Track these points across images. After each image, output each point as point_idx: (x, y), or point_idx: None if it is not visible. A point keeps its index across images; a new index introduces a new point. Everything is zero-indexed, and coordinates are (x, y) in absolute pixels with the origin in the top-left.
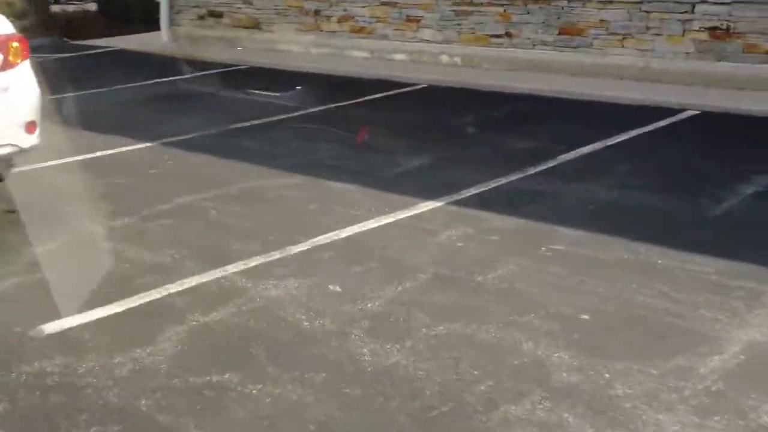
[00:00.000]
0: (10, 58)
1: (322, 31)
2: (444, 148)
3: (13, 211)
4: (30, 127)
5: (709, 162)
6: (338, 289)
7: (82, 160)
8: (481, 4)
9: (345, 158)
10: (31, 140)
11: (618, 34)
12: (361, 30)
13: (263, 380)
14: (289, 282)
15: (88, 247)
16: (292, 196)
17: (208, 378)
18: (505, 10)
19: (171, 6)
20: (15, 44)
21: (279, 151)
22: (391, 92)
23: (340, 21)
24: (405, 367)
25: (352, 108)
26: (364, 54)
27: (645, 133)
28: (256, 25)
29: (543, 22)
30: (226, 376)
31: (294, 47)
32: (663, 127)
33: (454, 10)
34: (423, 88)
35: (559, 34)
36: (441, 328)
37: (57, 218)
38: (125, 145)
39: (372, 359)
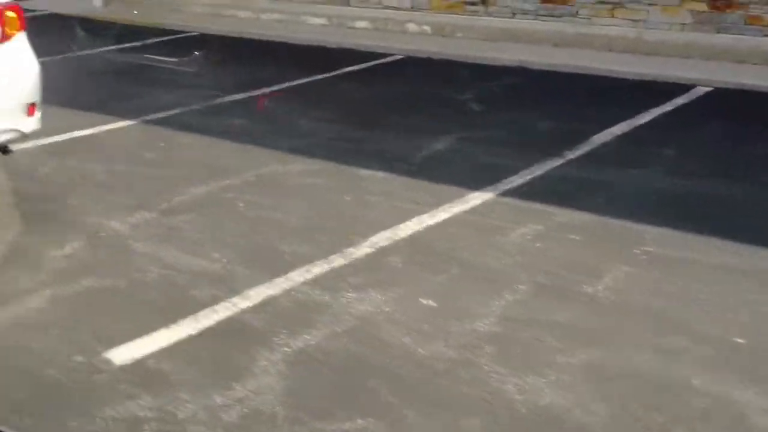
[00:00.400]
0: (7, 29)
1: None
2: (460, 129)
3: (13, 204)
4: (31, 108)
5: (757, 145)
6: (432, 303)
7: (63, 142)
8: None
9: (356, 140)
10: (32, 123)
11: (607, 3)
12: None
13: (409, 429)
14: (372, 295)
15: (118, 249)
16: (319, 185)
17: (340, 425)
18: None
19: None
20: (11, 14)
21: (278, 131)
22: (369, 64)
23: None
24: (568, 410)
25: (334, 82)
26: (321, 21)
27: (669, 111)
28: None
29: None
30: (359, 422)
31: (241, 13)
32: (684, 106)
33: None
34: (400, 59)
35: (542, 2)
36: (581, 355)
37: (65, 213)
38: (104, 124)
39: (522, 398)
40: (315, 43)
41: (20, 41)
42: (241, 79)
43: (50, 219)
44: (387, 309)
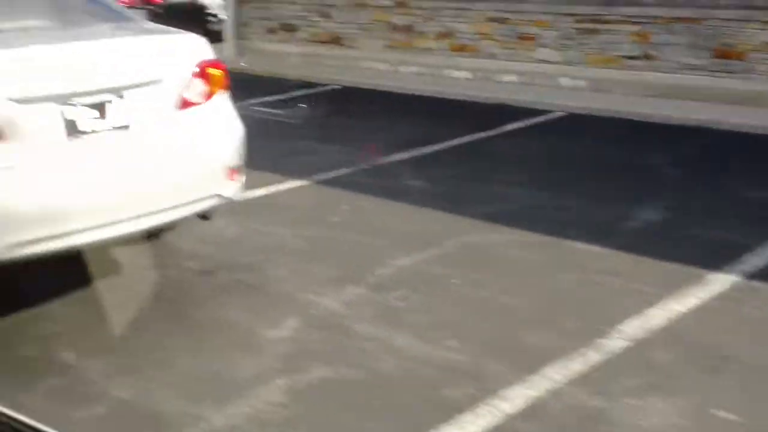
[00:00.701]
0: (211, 87)
1: (414, 48)
2: (663, 196)
3: (209, 272)
4: (233, 172)
5: None
6: (734, 417)
7: (241, 203)
8: (611, 21)
9: (550, 206)
10: (234, 189)
11: None
12: (462, 48)
13: None
14: (653, 402)
15: (340, 331)
16: (533, 261)
17: None
18: (641, 29)
19: (237, 18)
20: (215, 71)
21: (462, 195)
22: (531, 121)
23: (437, 38)
24: None
25: (499, 141)
26: (466, 74)
27: None
28: (335, 41)
29: (690, 44)
30: None
31: (380, 65)
32: None
33: (577, 28)
34: (563, 116)
35: (713, 57)
36: None
37: (267, 285)
38: (276, 183)
39: None
40: (460, 98)
41: (223, 100)
42: (400, 137)
43: (254, 291)
44: (681, 422)
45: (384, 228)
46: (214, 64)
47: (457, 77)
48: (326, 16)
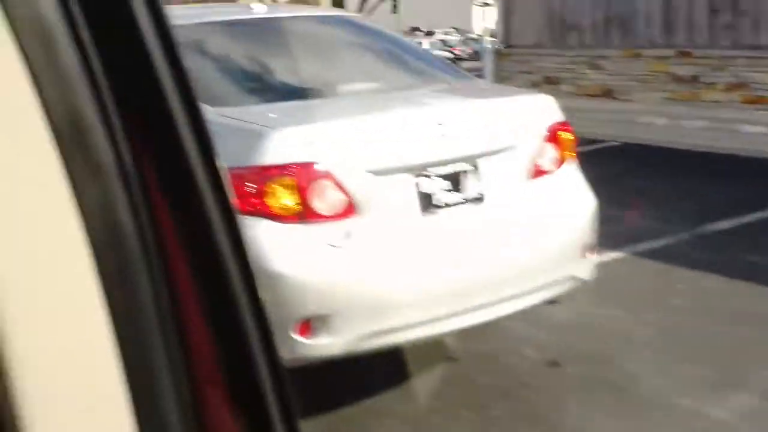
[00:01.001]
0: (562, 153)
1: (699, 100)
2: None
3: (554, 363)
4: (588, 250)
5: None
6: None
7: None
8: None
9: None
10: (588, 268)
11: None
12: (757, 100)
13: None
14: None
15: None
16: None
17: None
18: None
19: (497, 71)
20: (566, 135)
21: None
22: None
23: (727, 89)
24: None
25: None
26: (762, 129)
27: None
28: (606, 94)
29: None
30: None
31: (659, 119)
32: None
33: None
34: None
35: None
36: None
37: (628, 384)
38: None
39: None
40: (760, 155)
41: (573, 167)
42: (712, 201)
43: (617, 392)
44: None
45: (745, 315)
46: (564, 126)
47: (751, 132)
48: (596, 67)
